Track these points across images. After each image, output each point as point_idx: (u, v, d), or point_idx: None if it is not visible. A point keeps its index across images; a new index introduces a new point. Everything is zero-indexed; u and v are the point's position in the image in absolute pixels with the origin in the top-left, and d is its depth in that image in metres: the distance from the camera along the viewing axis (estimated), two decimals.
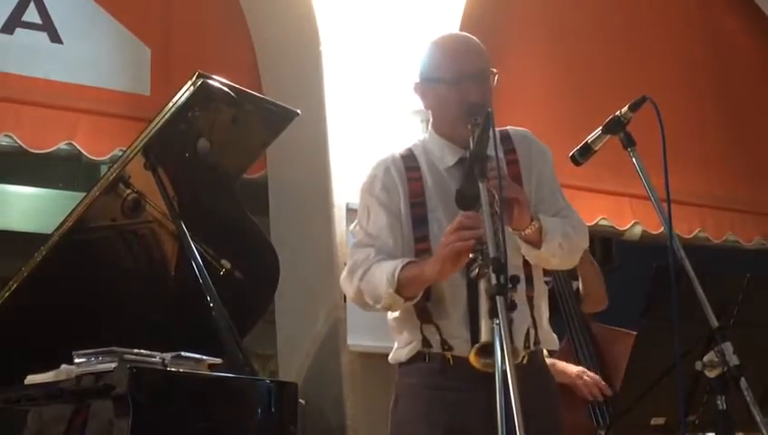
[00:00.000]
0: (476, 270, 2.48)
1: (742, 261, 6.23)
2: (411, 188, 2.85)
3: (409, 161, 2.89)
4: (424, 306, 2.80)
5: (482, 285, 2.44)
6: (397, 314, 2.87)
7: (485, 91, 2.80)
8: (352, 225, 2.95)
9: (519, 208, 2.65)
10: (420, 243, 2.82)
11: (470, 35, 2.95)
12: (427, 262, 2.71)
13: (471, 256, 2.53)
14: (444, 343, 2.78)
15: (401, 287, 2.71)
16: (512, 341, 2.28)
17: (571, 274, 4.11)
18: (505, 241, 2.41)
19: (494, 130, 2.60)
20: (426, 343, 2.81)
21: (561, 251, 2.78)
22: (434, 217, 2.82)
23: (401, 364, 2.89)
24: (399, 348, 2.89)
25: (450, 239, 2.60)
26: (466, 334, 2.75)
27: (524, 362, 2.73)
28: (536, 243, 2.74)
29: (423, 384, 2.82)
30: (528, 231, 2.71)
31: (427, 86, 2.88)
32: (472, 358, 2.42)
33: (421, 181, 2.86)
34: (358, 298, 2.84)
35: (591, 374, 3.77)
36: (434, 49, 2.92)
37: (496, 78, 2.86)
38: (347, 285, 2.86)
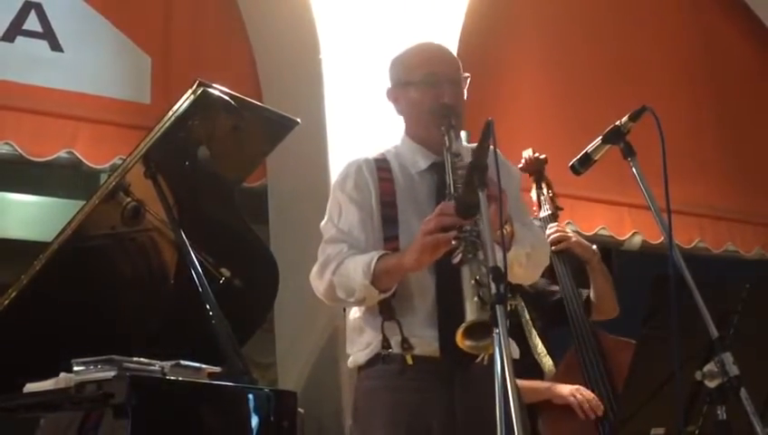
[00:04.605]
0: (459, 256, 2.50)
1: (741, 271, 6.22)
2: (382, 188, 2.87)
3: (381, 163, 2.92)
4: (388, 302, 2.79)
5: (465, 271, 2.46)
6: (359, 313, 2.87)
7: (458, 94, 2.85)
8: (323, 222, 2.94)
9: (495, 206, 2.59)
10: (389, 242, 2.82)
11: (441, 44, 3.00)
12: (405, 252, 2.71)
13: (453, 243, 2.54)
14: (404, 341, 2.77)
15: (377, 279, 2.71)
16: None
17: (581, 282, 4.10)
18: (505, 249, 2.41)
19: (494, 139, 2.59)
20: (385, 343, 2.80)
21: (526, 260, 2.79)
22: (404, 219, 2.83)
23: (360, 368, 2.88)
24: (358, 351, 2.88)
25: (430, 226, 2.61)
26: (431, 333, 2.76)
27: (485, 362, 2.71)
28: (506, 246, 2.73)
29: (383, 387, 2.81)
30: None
31: (400, 91, 2.93)
32: (458, 338, 2.40)
33: (392, 182, 2.88)
34: (329, 293, 2.82)
35: (585, 392, 3.76)
36: (406, 54, 2.97)
37: (468, 81, 2.90)
38: (317, 280, 2.85)
